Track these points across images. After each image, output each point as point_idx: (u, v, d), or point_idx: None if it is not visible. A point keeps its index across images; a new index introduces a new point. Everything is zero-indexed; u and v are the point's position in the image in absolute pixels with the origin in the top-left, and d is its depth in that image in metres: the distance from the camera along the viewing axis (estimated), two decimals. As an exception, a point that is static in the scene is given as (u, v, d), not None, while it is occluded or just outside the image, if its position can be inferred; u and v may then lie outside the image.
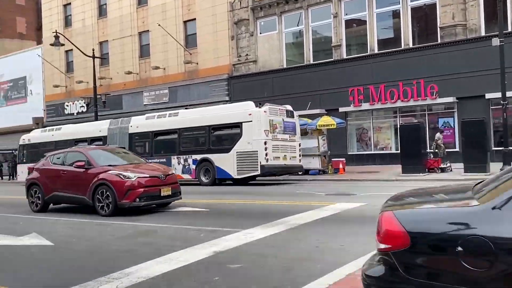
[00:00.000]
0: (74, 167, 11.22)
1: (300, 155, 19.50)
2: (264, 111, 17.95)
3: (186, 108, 23.62)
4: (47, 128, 29.10)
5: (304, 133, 22.24)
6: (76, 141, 24.73)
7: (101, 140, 23.67)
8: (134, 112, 32.64)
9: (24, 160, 26.72)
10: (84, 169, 11.04)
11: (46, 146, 25.66)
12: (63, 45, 29.25)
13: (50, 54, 38.11)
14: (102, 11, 36.20)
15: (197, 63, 30.55)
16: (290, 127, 19.13)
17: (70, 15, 38.32)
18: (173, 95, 31.65)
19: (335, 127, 21.54)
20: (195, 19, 30.80)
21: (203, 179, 19.41)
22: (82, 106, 36.25)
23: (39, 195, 12.05)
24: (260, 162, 17.58)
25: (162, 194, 10.77)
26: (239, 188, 17.36)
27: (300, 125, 21.41)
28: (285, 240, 7.08)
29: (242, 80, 28.74)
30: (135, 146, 22.33)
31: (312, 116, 23.72)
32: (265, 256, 6.15)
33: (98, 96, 29.17)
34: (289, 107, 19.93)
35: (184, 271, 5.60)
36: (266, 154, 17.54)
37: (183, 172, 20.30)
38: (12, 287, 5.27)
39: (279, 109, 19.01)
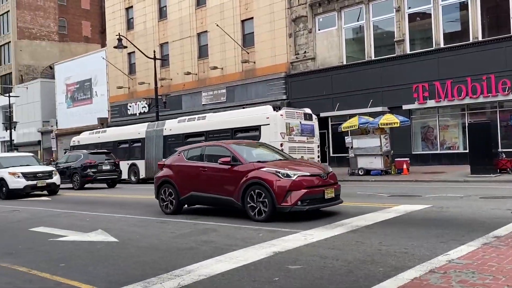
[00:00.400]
0: (219, 163, 9.84)
1: (318, 156, 20.45)
2: (281, 115, 19.17)
3: (243, 108, 24.14)
4: (94, 130, 31.17)
5: (365, 132, 21.86)
6: (119, 143, 27.01)
7: (139, 142, 25.71)
8: (193, 112, 33.49)
9: None
10: (229, 166, 9.68)
11: (93, 147, 27.25)
12: (125, 47, 30.53)
13: (114, 56, 39.89)
14: (162, 13, 37.38)
15: (254, 62, 30.81)
16: (308, 129, 20.09)
17: (132, 18, 39.87)
18: (230, 94, 32.12)
19: (398, 125, 20.96)
20: (252, 18, 31.08)
21: None
22: (144, 107, 37.66)
23: (173, 195, 10.81)
24: None
25: (325, 197, 9.26)
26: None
27: (362, 123, 21.20)
28: (346, 242, 6.99)
29: (300, 78, 28.64)
30: (169, 147, 23.47)
31: (373, 114, 23.25)
32: (326, 257, 6.11)
33: (159, 97, 30.20)
34: (308, 110, 20.77)
35: (244, 270, 5.68)
36: None
37: None
38: (79, 281, 5.58)
39: (297, 112, 20.10)
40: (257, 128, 19.86)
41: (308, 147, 19.85)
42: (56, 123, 48.85)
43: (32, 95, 51.65)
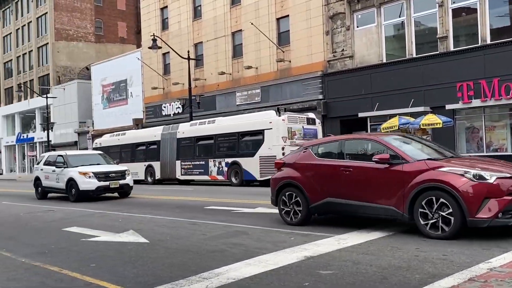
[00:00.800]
0: (374, 161, 7.98)
1: None
2: (283, 119, 20.42)
3: (278, 109, 24.20)
4: (115, 133, 32.86)
5: (406, 132, 21.45)
6: (137, 145, 28.75)
7: (155, 144, 27.36)
8: (227, 113, 33.76)
9: None
10: (387, 165, 7.83)
11: (113, 149, 28.67)
12: (160, 47, 31.11)
13: (149, 57, 40.69)
14: (197, 13, 37.85)
15: (290, 61, 30.74)
16: (310, 133, 21.30)
17: (167, 18, 40.55)
18: (265, 94, 32.17)
19: (441, 126, 20.43)
20: (288, 15, 31.03)
21: (233, 180, 22.28)
22: (178, 107, 38.22)
23: (300, 201, 8.95)
24: None
25: None
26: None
27: (402, 124, 20.87)
28: (381, 247, 6.88)
29: (338, 77, 28.37)
30: (182, 149, 25.48)
31: (415, 115, 22.77)
32: (359, 263, 6.03)
33: (193, 97, 30.62)
34: (311, 115, 22.06)
35: (273, 275, 5.68)
36: None
37: (217, 174, 23.43)
38: (108, 282, 5.72)
39: (299, 117, 21.38)
40: (261, 132, 21.12)
41: None
42: (93, 123, 50.28)
43: (69, 96, 53.34)
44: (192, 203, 14.31)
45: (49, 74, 57.79)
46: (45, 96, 47.45)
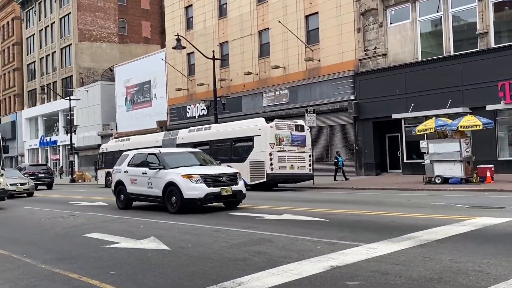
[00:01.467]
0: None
1: (310, 164, 23.23)
2: (271, 126, 22.07)
3: (306, 109, 24.79)
4: (120, 138, 35.53)
5: (442, 135, 21.10)
6: (139, 150, 30.09)
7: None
8: (253, 114, 33.88)
9: (103, 166, 33.40)
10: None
11: (118, 154, 29.95)
12: (184, 47, 31.48)
13: (173, 57, 41.23)
14: (222, 11, 38.15)
15: (319, 60, 30.64)
16: (299, 139, 22.85)
17: (192, 17, 41.02)
18: (293, 95, 32.15)
19: (481, 128, 20.01)
20: (317, 12, 30.96)
21: None
22: (203, 109, 38.55)
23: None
24: (266, 171, 21.73)
25: None
26: (326, 195, 17.01)
27: (439, 126, 20.56)
28: (412, 257, 6.80)
29: (370, 76, 28.14)
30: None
31: (452, 116, 22.38)
32: (387, 274, 5.97)
33: (218, 99, 30.84)
34: (300, 122, 23.58)
35: (297, 285, 5.68)
36: (271, 164, 21.66)
37: None
38: (128, 289, 5.83)
39: (287, 124, 22.97)
40: (251, 138, 22.80)
41: (299, 156, 22.68)
42: (116, 126, 51.20)
43: (93, 98, 54.45)
44: (214, 209, 14.41)
45: (72, 75, 59.17)
46: (68, 98, 48.53)
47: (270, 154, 21.66)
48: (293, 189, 23.22)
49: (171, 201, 13.71)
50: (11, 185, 23.69)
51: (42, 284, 6.35)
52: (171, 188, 13.64)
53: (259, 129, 22.46)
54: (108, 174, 31.11)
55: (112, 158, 29.68)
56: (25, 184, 25.76)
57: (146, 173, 14.65)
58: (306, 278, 5.94)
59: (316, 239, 8.49)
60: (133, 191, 15.30)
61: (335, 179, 25.61)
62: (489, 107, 22.96)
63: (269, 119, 23.27)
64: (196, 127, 27.76)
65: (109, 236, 10.05)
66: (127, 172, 15.70)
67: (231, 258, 7.32)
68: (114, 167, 16.89)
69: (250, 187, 22.07)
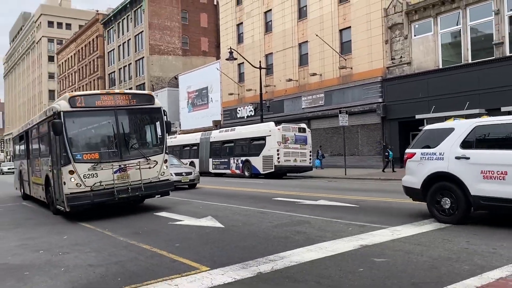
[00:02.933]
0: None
1: (310, 158, 24.93)
2: (278, 129, 23.78)
3: (339, 111, 24.72)
4: (169, 137, 36.54)
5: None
6: (184, 146, 32.42)
7: (196, 146, 30.82)
8: (293, 115, 33.72)
9: None
10: None
11: (168, 149, 30.92)
12: (236, 59, 31.68)
13: (226, 67, 41.56)
14: (268, 27, 38.11)
15: (351, 68, 30.12)
16: (301, 139, 24.48)
17: (242, 33, 41.18)
18: (328, 98, 31.75)
19: (495, 127, 19.07)
20: (350, 27, 30.41)
21: (246, 173, 25.54)
22: (251, 111, 38.72)
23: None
24: (274, 163, 23.47)
25: None
26: (338, 184, 16.64)
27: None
28: (433, 239, 6.61)
29: (396, 82, 27.39)
30: (213, 150, 28.70)
31: (470, 116, 21.32)
32: (411, 253, 5.85)
33: (263, 102, 30.91)
34: (302, 125, 25.34)
35: (331, 260, 5.66)
36: (278, 158, 23.43)
37: (235, 168, 26.62)
38: (189, 259, 5.98)
39: (292, 127, 24.56)
40: (264, 138, 24.37)
41: (301, 152, 24.34)
42: (180, 125, 52.20)
43: (161, 102, 55.02)
44: (261, 194, 14.48)
45: (144, 83, 60.72)
46: (141, 101, 49.66)
47: (278, 150, 23.38)
48: (298, 178, 24.47)
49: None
50: (176, 175, 17.64)
51: (121, 253, 6.60)
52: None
53: (270, 131, 24.03)
54: None
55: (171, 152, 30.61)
56: (190, 173, 18.63)
57: None
58: (339, 255, 5.91)
59: (348, 222, 8.41)
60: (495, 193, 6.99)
61: (383, 170, 24.64)
62: (503, 109, 21.85)
63: (277, 123, 25.12)
64: (224, 129, 29.32)
65: (175, 215, 10.30)
66: (465, 158, 7.45)
67: (275, 236, 7.36)
68: (416, 150, 8.34)
69: (263, 176, 24.33)
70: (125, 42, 65.26)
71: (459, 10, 24.33)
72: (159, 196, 11.44)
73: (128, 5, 61.94)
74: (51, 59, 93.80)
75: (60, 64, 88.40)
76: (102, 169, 9.95)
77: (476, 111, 22.19)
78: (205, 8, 62.16)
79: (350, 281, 4.78)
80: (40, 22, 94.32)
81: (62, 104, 10.08)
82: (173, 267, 5.66)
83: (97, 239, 7.80)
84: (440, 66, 25.36)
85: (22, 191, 16.82)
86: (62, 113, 9.89)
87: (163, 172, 10.97)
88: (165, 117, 11.47)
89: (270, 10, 37.51)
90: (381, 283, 4.65)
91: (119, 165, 10.20)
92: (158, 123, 11.33)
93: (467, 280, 4.55)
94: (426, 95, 25.49)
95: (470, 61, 23.92)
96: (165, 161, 11.11)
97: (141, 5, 59.15)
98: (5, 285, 5.27)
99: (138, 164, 10.46)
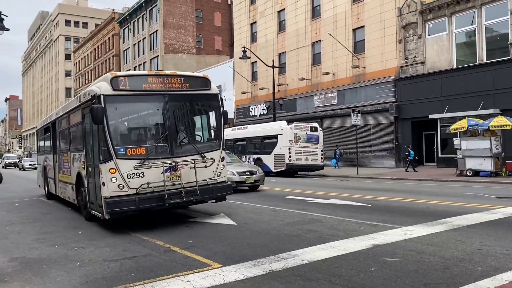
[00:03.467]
0: None
1: (321, 157, 24.42)
2: (290, 127, 23.44)
3: (352, 110, 24.66)
4: None
5: (474, 134, 20.03)
6: None
7: None
8: (306, 114, 33.60)
9: None
10: None
11: None
12: (249, 58, 31.66)
13: (239, 66, 41.57)
14: (281, 27, 38.00)
15: (364, 67, 29.88)
16: (313, 138, 24.14)
17: (255, 32, 41.14)
18: (341, 97, 31.56)
19: (510, 128, 18.80)
20: (363, 26, 30.16)
21: None
22: (264, 109, 38.69)
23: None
24: (285, 162, 23.21)
25: None
26: (352, 183, 16.48)
27: (471, 125, 19.58)
28: (445, 239, 6.53)
29: (409, 81, 27.11)
30: (226, 148, 28.59)
31: (484, 117, 21.14)
32: (423, 253, 5.79)
33: (276, 100, 30.85)
34: (314, 124, 24.86)
35: (343, 259, 5.63)
36: (290, 156, 23.13)
37: None
38: (201, 256, 6.00)
39: (304, 125, 24.13)
40: (275, 136, 24.15)
41: (312, 151, 23.99)
42: (192, 123, 52.39)
43: (174, 100, 55.79)
44: (273, 192, 14.46)
45: (158, 81, 61.03)
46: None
47: (289, 149, 23.15)
48: (310, 176, 24.26)
49: None
50: (239, 174, 15.11)
51: (135, 249, 6.65)
52: None
53: (281, 130, 23.83)
54: None
55: None
56: (255, 173, 15.53)
57: None
58: (351, 254, 5.87)
59: (360, 221, 8.35)
60: None
61: (406, 170, 24.23)
62: (518, 109, 21.50)
63: (289, 122, 24.74)
64: (237, 127, 29.40)
65: (187, 211, 10.35)
66: None
67: (287, 234, 7.34)
68: None
69: (274, 174, 24.07)
70: (140, 40, 65.69)
71: (474, 10, 23.96)
72: (214, 201, 9.28)
73: (143, 4, 62.33)
74: (68, 57, 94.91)
75: (76, 62, 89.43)
76: (150, 167, 7.95)
77: (491, 111, 21.86)
78: (219, 7, 62.24)
79: (361, 280, 4.75)
80: (58, 21, 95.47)
81: (102, 86, 8.04)
82: (186, 263, 5.68)
83: (111, 235, 7.87)
84: (454, 66, 25.02)
85: (46, 189, 15.15)
86: (102, 96, 7.86)
87: (220, 172, 8.91)
88: (222, 106, 9.44)
89: (284, 9, 37.40)
90: (393, 283, 4.61)
91: (170, 163, 8.15)
92: (214, 113, 9.31)
93: (480, 282, 4.49)
94: (440, 95, 25.18)
95: (485, 60, 23.56)
96: (222, 158, 9.03)
97: (156, 4, 59.47)
98: (22, 278, 5.36)
99: (193, 162, 8.36)
